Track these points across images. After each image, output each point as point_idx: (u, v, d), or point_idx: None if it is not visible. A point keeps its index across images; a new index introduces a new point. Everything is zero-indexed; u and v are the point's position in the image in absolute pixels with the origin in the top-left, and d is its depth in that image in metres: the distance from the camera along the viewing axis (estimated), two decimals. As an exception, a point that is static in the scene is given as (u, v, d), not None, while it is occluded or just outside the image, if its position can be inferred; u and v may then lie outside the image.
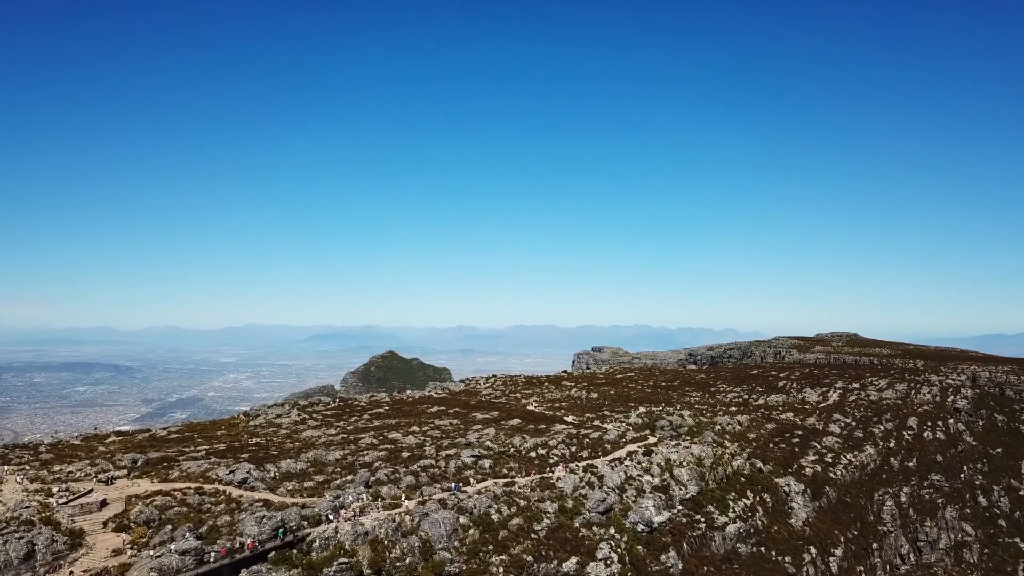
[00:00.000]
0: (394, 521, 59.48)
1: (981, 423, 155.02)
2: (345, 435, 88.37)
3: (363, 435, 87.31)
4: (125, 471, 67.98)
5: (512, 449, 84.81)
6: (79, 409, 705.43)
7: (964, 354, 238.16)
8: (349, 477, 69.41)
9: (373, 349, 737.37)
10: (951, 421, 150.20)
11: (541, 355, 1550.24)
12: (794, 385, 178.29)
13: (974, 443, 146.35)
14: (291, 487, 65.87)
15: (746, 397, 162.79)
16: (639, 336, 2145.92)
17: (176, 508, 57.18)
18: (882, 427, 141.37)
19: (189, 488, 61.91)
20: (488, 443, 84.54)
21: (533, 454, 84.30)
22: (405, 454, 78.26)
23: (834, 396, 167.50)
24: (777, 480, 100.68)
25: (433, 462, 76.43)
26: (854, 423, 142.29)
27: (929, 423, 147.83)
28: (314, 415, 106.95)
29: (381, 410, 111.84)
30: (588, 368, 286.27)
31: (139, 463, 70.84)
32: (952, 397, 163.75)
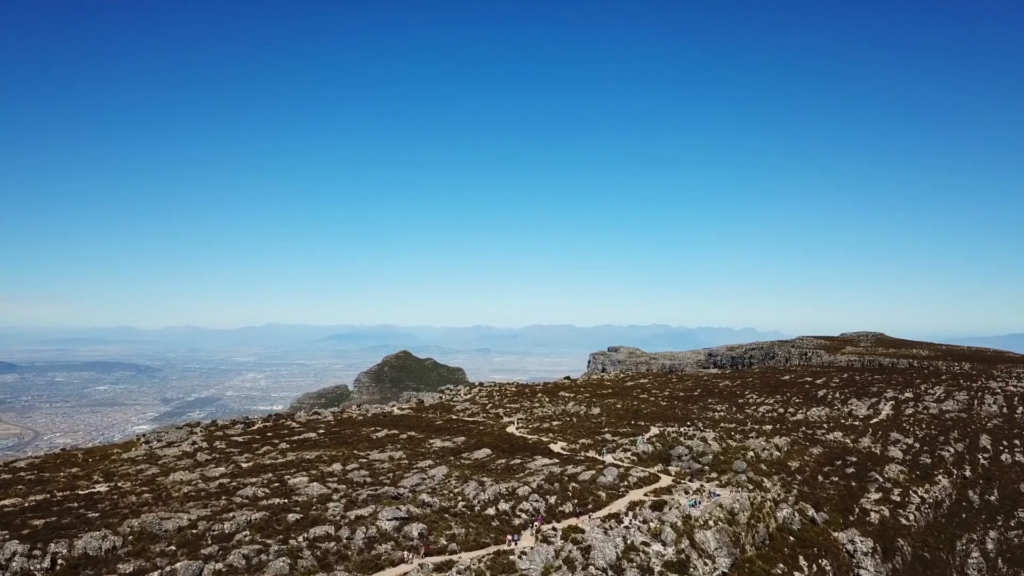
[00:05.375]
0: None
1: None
2: (228, 479, 62.20)
3: (251, 479, 61.09)
4: None
5: (461, 503, 58.49)
6: (99, 408, 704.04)
7: (1002, 355, 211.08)
8: (179, 564, 43.75)
9: (391, 348, 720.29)
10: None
11: (558, 355, 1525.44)
12: (836, 395, 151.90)
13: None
14: (67, 589, 40.46)
15: (781, 411, 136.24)
16: (657, 336, 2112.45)
17: None
18: (951, 449, 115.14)
19: None
20: (425, 495, 58.13)
21: (491, 511, 58.01)
22: (293, 515, 52.14)
23: (886, 409, 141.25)
24: (837, 535, 74.01)
25: (332, 530, 50.53)
26: (918, 444, 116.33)
27: (1005, 442, 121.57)
28: (218, 442, 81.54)
29: (313, 435, 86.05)
30: (603, 369, 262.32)
31: None
32: (1021, 408, 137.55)
